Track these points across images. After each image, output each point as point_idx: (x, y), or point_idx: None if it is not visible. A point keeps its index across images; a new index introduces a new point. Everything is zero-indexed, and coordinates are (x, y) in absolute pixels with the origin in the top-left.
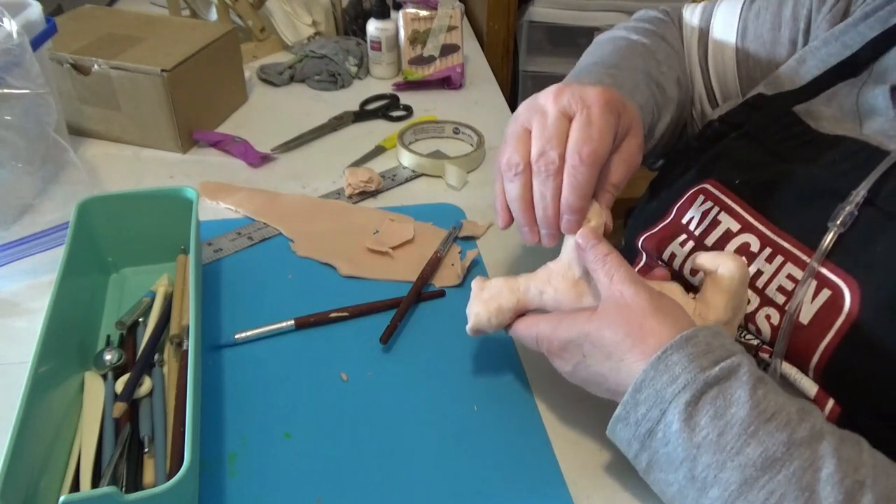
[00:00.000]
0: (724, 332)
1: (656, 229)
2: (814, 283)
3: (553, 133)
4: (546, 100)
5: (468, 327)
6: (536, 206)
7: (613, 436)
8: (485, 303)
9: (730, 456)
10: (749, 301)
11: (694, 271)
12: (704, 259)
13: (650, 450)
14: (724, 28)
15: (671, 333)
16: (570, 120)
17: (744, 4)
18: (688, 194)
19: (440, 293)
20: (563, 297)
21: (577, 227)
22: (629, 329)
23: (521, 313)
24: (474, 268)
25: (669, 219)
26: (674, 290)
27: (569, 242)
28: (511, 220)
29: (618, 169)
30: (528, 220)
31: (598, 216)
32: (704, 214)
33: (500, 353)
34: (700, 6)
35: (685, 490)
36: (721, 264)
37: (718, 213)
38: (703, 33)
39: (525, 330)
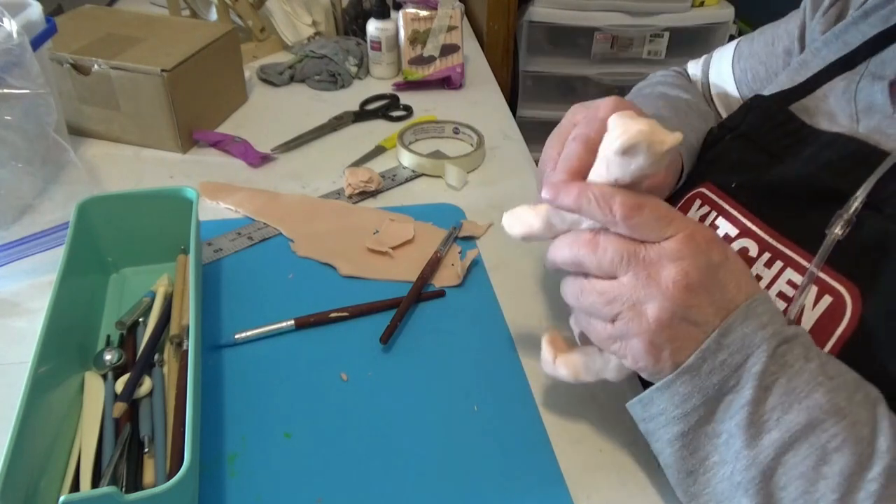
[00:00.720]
0: None
1: None
2: (815, 289)
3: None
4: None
5: (672, 142)
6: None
7: (667, 389)
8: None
9: (798, 399)
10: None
11: None
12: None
13: (713, 401)
14: (721, 60)
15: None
16: None
17: (739, 41)
18: (684, 199)
19: (440, 293)
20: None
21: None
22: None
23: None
24: (474, 268)
25: None
26: None
27: None
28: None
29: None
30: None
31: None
32: (701, 220)
33: (500, 353)
34: (702, 57)
35: (731, 440)
36: None
37: (716, 217)
38: (705, 74)
39: (663, 204)
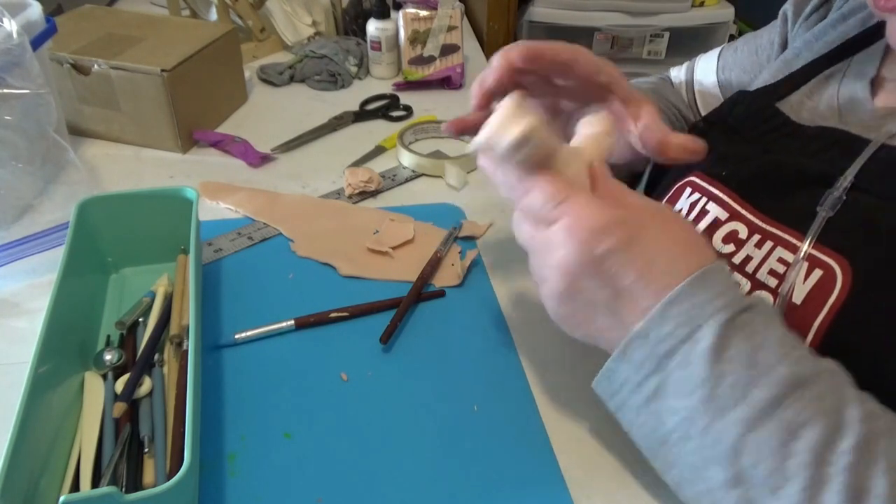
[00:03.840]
0: None
1: None
2: (805, 265)
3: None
4: None
5: (513, 137)
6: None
7: (623, 356)
8: (539, 120)
9: (763, 372)
10: (739, 285)
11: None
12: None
13: (664, 372)
14: (706, 69)
15: (712, 255)
16: None
17: (721, 49)
18: (675, 188)
19: (440, 293)
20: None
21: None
22: (690, 236)
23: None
24: (474, 268)
25: None
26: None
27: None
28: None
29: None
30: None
31: (605, 130)
32: (692, 206)
33: (500, 353)
34: (684, 64)
35: (694, 416)
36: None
37: (706, 203)
38: (689, 83)
39: (553, 183)
